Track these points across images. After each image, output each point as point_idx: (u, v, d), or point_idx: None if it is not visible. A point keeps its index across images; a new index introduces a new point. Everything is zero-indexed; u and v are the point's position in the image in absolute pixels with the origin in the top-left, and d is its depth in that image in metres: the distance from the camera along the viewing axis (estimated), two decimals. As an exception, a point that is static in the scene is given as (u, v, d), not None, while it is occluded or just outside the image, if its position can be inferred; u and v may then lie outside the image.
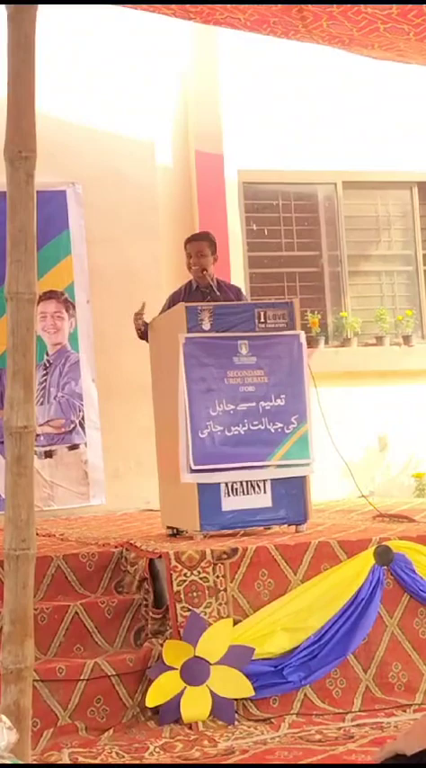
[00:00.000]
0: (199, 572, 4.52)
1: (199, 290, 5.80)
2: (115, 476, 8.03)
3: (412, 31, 4.26)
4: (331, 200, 9.28)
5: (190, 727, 4.17)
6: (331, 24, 4.28)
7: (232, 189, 8.79)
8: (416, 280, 9.49)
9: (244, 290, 6.21)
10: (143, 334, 5.80)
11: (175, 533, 5.50)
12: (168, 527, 5.64)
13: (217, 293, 5.68)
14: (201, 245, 5.85)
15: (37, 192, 3.04)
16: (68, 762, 3.85)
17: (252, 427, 5.15)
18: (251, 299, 8.06)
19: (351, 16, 4.17)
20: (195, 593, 4.47)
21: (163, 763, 3.79)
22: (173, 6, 4.25)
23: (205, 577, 4.51)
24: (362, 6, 4.05)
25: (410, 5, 3.98)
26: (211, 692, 4.25)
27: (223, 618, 4.44)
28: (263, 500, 5.18)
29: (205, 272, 5.75)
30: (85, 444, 7.96)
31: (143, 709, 4.30)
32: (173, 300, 5.85)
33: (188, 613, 4.40)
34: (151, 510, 7.22)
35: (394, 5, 3.99)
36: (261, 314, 5.25)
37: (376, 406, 8.87)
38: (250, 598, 4.54)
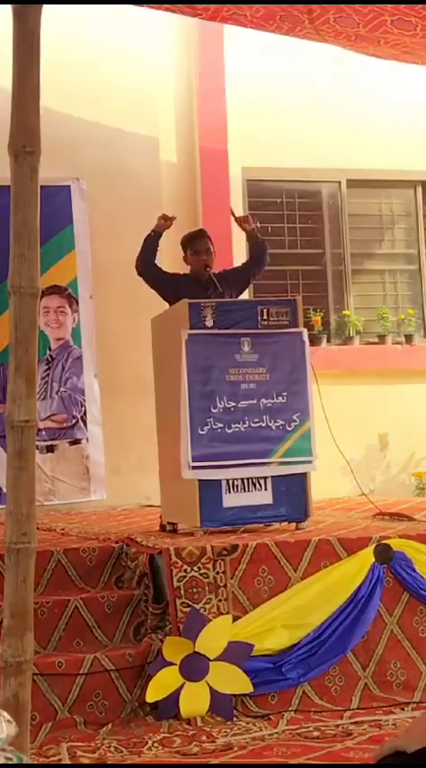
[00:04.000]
0: (199, 568, 4.52)
1: (200, 283, 5.81)
2: (116, 471, 8.03)
3: (419, 24, 4.27)
4: (334, 198, 9.27)
5: (189, 723, 4.18)
6: (337, 18, 4.30)
7: (236, 185, 8.78)
8: (419, 279, 9.47)
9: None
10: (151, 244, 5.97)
11: (172, 529, 5.51)
12: (161, 521, 5.65)
13: (220, 288, 5.71)
14: (208, 242, 5.95)
15: (41, 186, 3.04)
16: (67, 755, 3.85)
17: (252, 424, 5.15)
18: (254, 296, 8.06)
19: (359, 9, 4.18)
20: (195, 589, 4.48)
21: (161, 762, 3.79)
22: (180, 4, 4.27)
23: (205, 573, 4.52)
24: None
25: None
26: (210, 687, 4.26)
27: (223, 614, 4.45)
28: (264, 497, 5.18)
29: (208, 269, 5.81)
30: (87, 440, 7.96)
31: (142, 704, 4.32)
32: (173, 280, 5.95)
33: (188, 609, 4.41)
34: (151, 506, 7.23)
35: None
36: (264, 311, 5.25)
37: (377, 404, 8.86)
38: (250, 595, 4.55)
